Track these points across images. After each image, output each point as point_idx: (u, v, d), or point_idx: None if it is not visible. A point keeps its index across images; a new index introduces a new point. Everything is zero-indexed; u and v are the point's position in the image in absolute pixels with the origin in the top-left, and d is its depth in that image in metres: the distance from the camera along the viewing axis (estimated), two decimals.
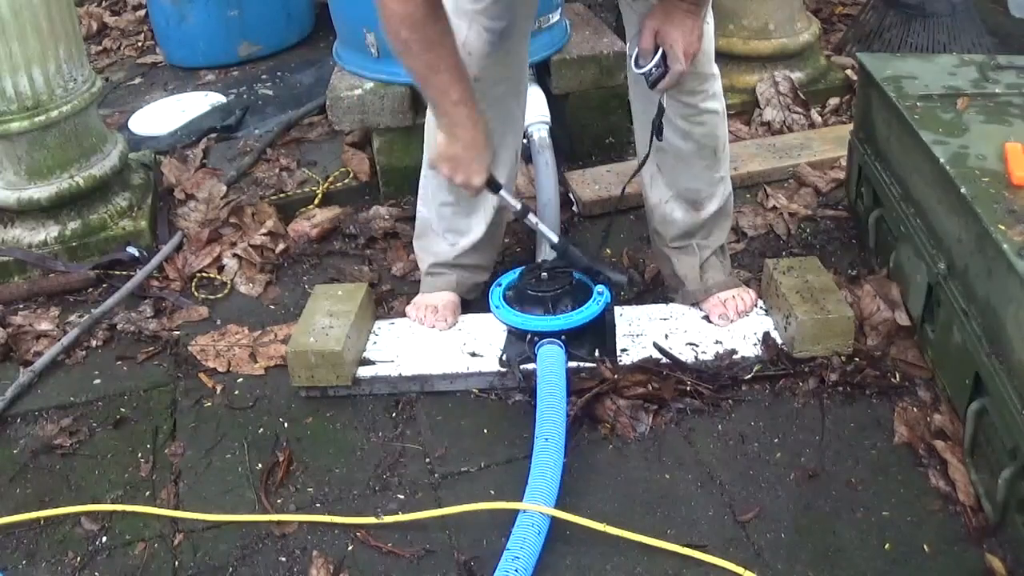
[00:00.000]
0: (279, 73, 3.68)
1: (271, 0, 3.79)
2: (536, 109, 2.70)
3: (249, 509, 1.82)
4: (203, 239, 2.62)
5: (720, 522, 1.72)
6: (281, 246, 2.60)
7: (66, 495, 1.89)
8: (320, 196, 2.80)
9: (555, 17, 2.77)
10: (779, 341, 2.07)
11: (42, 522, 1.82)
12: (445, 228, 2.17)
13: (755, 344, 2.07)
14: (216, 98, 3.48)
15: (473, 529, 1.72)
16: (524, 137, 2.62)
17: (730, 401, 1.97)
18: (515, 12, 1.92)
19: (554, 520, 1.67)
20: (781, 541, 1.67)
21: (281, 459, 1.92)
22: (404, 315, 2.28)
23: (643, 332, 2.12)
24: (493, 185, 1.93)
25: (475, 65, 1.90)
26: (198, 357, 2.22)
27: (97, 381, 2.20)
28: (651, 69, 1.83)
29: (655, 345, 2.07)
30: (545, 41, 2.75)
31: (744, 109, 3.13)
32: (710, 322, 2.14)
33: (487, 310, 2.11)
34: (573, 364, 2.00)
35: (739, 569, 1.60)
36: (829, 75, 3.27)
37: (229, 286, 2.49)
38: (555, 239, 2.06)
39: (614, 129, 2.93)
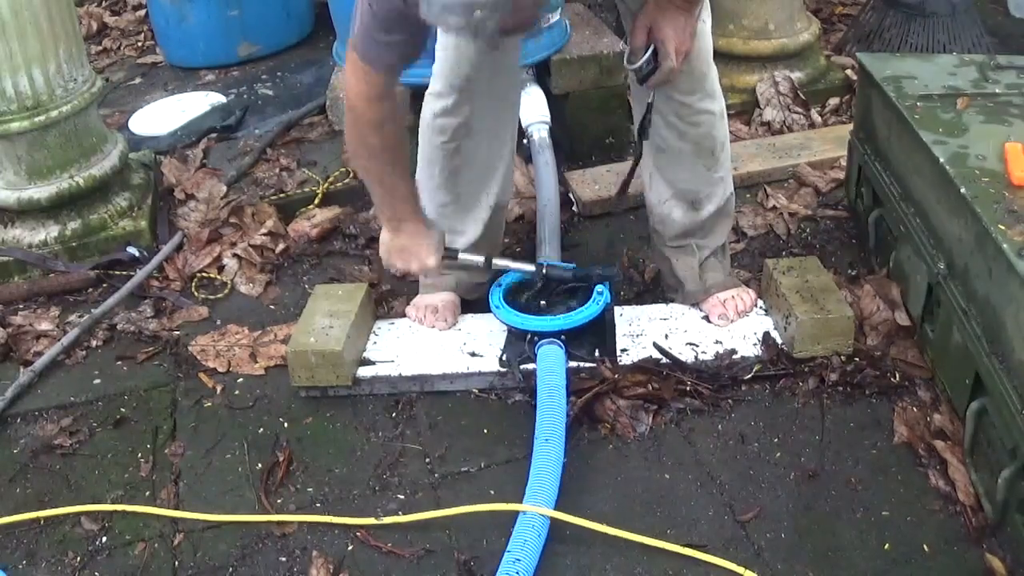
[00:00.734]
0: (279, 73, 3.68)
1: (271, 0, 3.79)
2: (536, 109, 2.70)
3: (249, 509, 1.82)
4: (203, 239, 2.62)
5: (720, 522, 1.72)
6: (281, 246, 2.60)
7: (66, 495, 1.89)
8: (320, 196, 2.80)
9: (555, 17, 2.77)
10: (779, 341, 2.07)
11: (42, 522, 1.82)
12: (444, 229, 2.16)
13: (755, 344, 2.07)
14: (216, 98, 3.48)
15: (473, 529, 1.72)
16: (524, 137, 2.62)
17: (730, 401, 1.97)
18: None
19: (554, 520, 1.67)
20: (781, 541, 1.67)
21: (281, 459, 1.92)
22: (404, 315, 2.28)
23: (643, 332, 2.12)
24: (450, 255, 2.01)
25: (466, 64, 1.90)
26: (198, 357, 2.22)
27: (97, 381, 2.20)
28: (641, 65, 1.83)
29: (655, 345, 2.07)
30: (545, 41, 2.75)
31: (744, 109, 3.13)
32: (710, 322, 2.14)
33: (487, 310, 2.11)
34: (573, 364, 2.00)
35: (739, 569, 1.60)
36: (829, 75, 3.27)
37: (229, 286, 2.49)
38: (531, 268, 2.07)
39: (614, 129, 2.93)
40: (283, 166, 2.96)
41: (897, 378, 1.97)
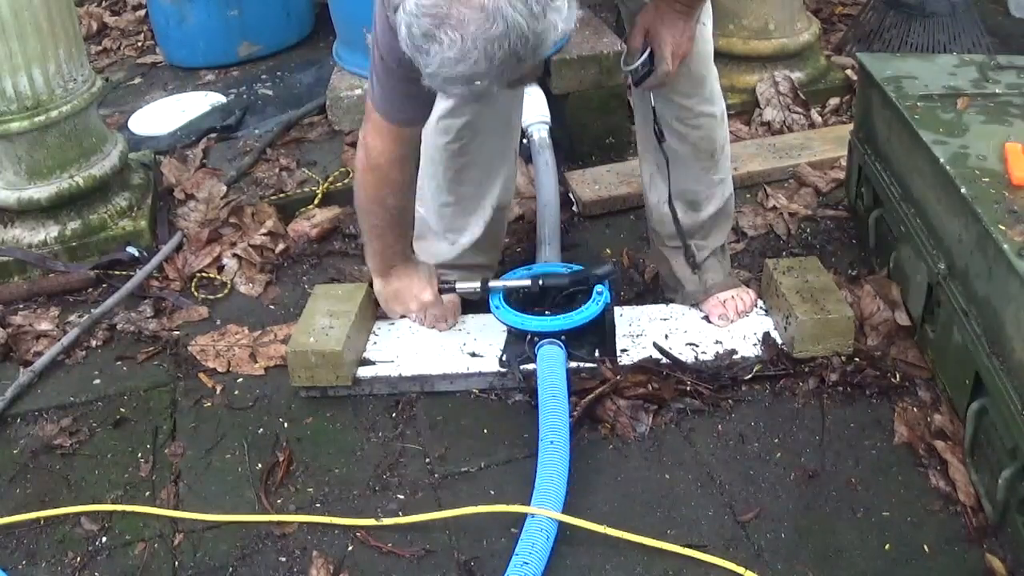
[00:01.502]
0: (279, 73, 3.68)
1: (271, 0, 3.79)
2: (536, 109, 2.70)
3: (249, 509, 1.82)
4: (203, 239, 2.62)
5: (720, 522, 1.72)
6: (281, 246, 2.60)
7: (66, 495, 1.89)
8: (320, 196, 2.80)
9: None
10: (779, 341, 2.07)
11: (42, 522, 1.82)
12: (445, 228, 2.16)
13: (755, 344, 2.07)
14: (216, 98, 3.48)
15: (473, 529, 1.72)
16: (524, 137, 2.62)
17: (730, 401, 1.97)
18: None
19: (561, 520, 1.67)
20: (781, 541, 1.67)
21: (281, 459, 1.92)
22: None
23: (643, 332, 2.12)
24: (446, 285, 2.05)
25: None
26: (198, 357, 2.22)
27: (97, 381, 2.20)
28: (637, 67, 1.82)
29: (655, 345, 2.07)
30: None
31: (744, 109, 3.13)
32: (710, 323, 2.14)
33: (487, 310, 2.11)
34: (573, 364, 2.00)
35: (739, 569, 1.60)
36: (829, 75, 3.27)
37: (229, 286, 2.49)
38: (527, 283, 2.07)
39: (614, 129, 2.93)
40: (283, 166, 2.96)
41: (897, 378, 1.97)
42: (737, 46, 3.14)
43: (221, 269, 2.54)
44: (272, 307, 2.42)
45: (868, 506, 1.72)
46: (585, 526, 1.66)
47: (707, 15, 1.92)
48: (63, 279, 2.50)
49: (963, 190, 1.75)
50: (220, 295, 2.46)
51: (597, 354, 2.03)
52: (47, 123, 2.43)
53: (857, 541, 1.66)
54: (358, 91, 2.71)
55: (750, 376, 2.01)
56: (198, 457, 1.96)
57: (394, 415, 2.02)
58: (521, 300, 2.09)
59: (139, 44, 4.15)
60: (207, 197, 2.79)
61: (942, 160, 1.85)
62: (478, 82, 1.35)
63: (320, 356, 2.00)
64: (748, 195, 2.69)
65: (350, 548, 1.72)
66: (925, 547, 1.64)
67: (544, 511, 1.65)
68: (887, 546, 1.65)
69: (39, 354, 2.26)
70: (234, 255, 2.56)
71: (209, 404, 2.10)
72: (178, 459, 1.96)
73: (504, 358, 2.05)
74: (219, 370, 2.18)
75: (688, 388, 1.98)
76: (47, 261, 2.53)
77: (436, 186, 2.11)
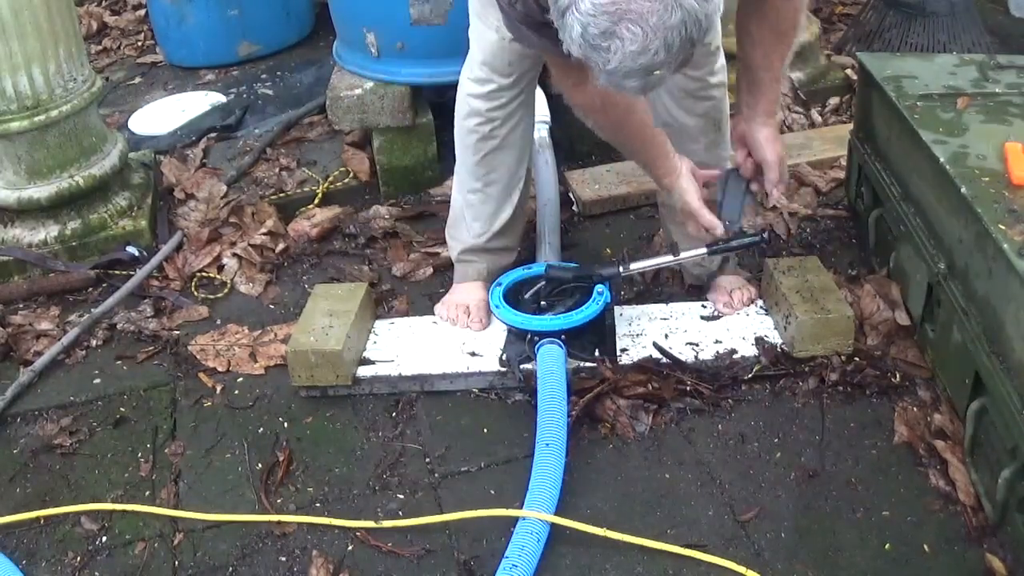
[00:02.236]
0: (279, 73, 3.67)
1: (271, 0, 3.78)
2: (536, 109, 2.70)
3: (249, 509, 1.82)
4: (203, 239, 2.62)
5: (720, 522, 1.72)
6: (281, 246, 2.60)
7: (66, 495, 1.89)
8: (320, 196, 2.80)
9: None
10: (779, 341, 2.07)
11: (42, 521, 1.82)
12: (473, 215, 2.18)
13: (755, 344, 2.07)
14: (216, 98, 3.48)
15: (473, 529, 1.72)
16: None
17: (730, 401, 1.97)
18: None
19: (554, 522, 1.67)
20: (781, 541, 1.67)
21: (281, 459, 1.92)
22: (405, 315, 2.29)
23: (643, 332, 2.12)
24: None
25: (511, 53, 1.94)
26: (198, 357, 2.22)
27: (97, 381, 2.20)
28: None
29: (655, 345, 2.07)
30: None
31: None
32: (711, 318, 2.14)
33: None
34: (573, 364, 2.00)
35: (739, 569, 1.60)
36: (829, 75, 3.27)
37: (229, 286, 2.49)
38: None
39: None
40: (283, 166, 2.96)
41: (897, 378, 1.97)
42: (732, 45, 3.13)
43: (221, 269, 2.54)
44: (272, 307, 2.42)
45: (868, 506, 1.72)
46: (585, 530, 1.66)
47: None
48: (63, 279, 2.50)
49: (963, 190, 1.75)
50: (220, 295, 2.46)
51: (597, 354, 2.03)
52: (47, 123, 2.43)
53: (857, 541, 1.66)
54: (358, 91, 2.72)
55: (750, 376, 2.01)
56: (198, 457, 1.96)
57: (394, 415, 2.02)
58: (522, 298, 2.09)
59: (139, 44, 4.15)
60: (207, 197, 2.79)
61: (942, 160, 1.85)
62: (656, 72, 1.38)
63: (320, 356, 2.00)
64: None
65: (350, 548, 1.72)
66: (925, 547, 1.64)
67: (537, 514, 1.65)
68: (887, 546, 1.65)
69: (39, 354, 2.26)
70: (234, 255, 2.56)
71: (209, 404, 2.10)
72: (178, 459, 1.96)
73: (504, 357, 2.05)
74: (219, 370, 2.18)
75: (688, 388, 1.98)
76: (47, 261, 2.53)
77: (466, 171, 2.15)
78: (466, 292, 2.22)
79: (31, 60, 2.35)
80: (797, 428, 1.91)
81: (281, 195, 2.82)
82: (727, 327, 2.13)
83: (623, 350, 2.07)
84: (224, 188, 2.82)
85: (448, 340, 2.14)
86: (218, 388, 2.14)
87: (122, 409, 2.11)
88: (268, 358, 2.20)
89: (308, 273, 2.53)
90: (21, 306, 2.47)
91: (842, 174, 2.66)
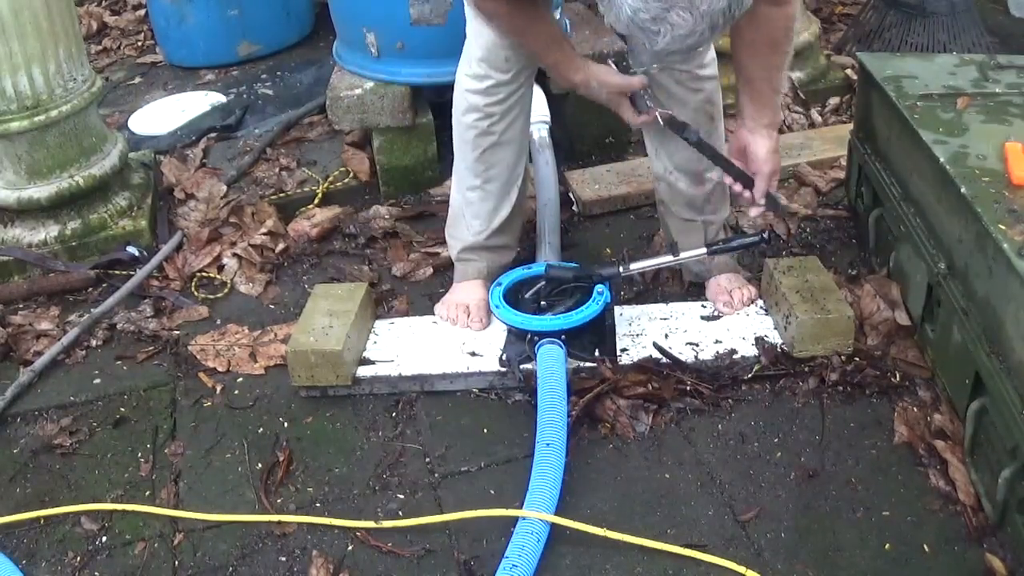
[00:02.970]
0: (279, 73, 3.68)
1: (271, 0, 3.78)
2: (536, 109, 2.70)
3: (249, 509, 1.82)
4: (203, 239, 2.62)
5: (720, 522, 1.72)
6: (281, 246, 2.60)
7: (66, 495, 1.89)
8: (320, 196, 2.80)
9: (555, 16, 2.76)
10: (779, 341, 2.07)
11: (42, 522, 1.82)
12: (473, 213, 2.19)
13: (755, 344, 2.07)
14: (216, 98, 3.48)
15: (473, 529, 1.72)
16: None
17: (730, 401, 1.97)
18: None
19: (554, 522, 1.67)
20: (781, 541, 1.67)
21: (281, 459, 1.92)
22: (405, 315, 2.29)
23: (643, 332, 2.12)
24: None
25: (506, 47, 1.95)
26: (198, 357, 2.22)
27: (97, 381, 2.20)
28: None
29: (655, 345, 2.07)
30: None
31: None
32: (711, 318, 2.14)
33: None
34: (573, 364, 2.00)
35: (739, 569, 1.60)
36: (829, 75, 3.27)
37: (229, 286, 2.49)
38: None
39: (614, 129, 2.93)
40: (283, 166, 2.96)
41: (897, 378, 1.97)
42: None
43: (221, 269, 2.54)
44: (272, 307, 2.42)
45: (868, 506, 1.72)
46: (581, 528, 1.66)
47: None
48: (63, 279, 2.50)
49: (963, 190, 1.75)
50: (220, 295, 2.46)
51: (597, 354, 2.03)
52: (47, 123, 2.43)
53: (857, 541, 1.66)
54: (358, 91, 2.71)
55: (750, 376, 2.01)
56: (198, 457, 1.96)
57: (394, 415, 2.02)
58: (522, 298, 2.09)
59: (139, 44, 4.15)
60: (207, 197, 2.79)
61: (942, 160, 1.85)
62: (700, 48, 1.45)
63: (320, 356, 2.00)
64: None
65: (350, 548, 1.72)
66: (925, 547, 1.64)
67: (537, 514, 1.65)
68: (887, 546, 1.65)
69: (39, 354, 2.26)
70: (234, 255, 2.56)
71: (209, 404, 2.10)
72: (178, 459, 1.96)
73: (504, 357, 2.05)
74: (219, 370, 2.18)
75: (688, 388, 1.98)
76: (47, 260, 2.53)
77: (465, 168, 2.15)
78: (466, 292, 2.22)
79: (31, 60, 2.35)
80: (797, 428, 1.91)
81: (281, 195, 2.82)
82: (727, 327, 2.13)
83: (623, 350, 2.07)
84: (224, 188, 2.82)
85: (448, 340, 2.14)
86: (218, 388, 2.14)
87: (122, 409, 2.11)
88: (268, 358, 2.20)
89: (308, 273, 2.53)
90: (21, 306, 2.47)
91: (842, 174, 2.66)
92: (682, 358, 2.04)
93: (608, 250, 2.50)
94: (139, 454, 1.98)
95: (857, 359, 2.00)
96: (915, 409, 1.90)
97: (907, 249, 2.05)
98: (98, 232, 2.59)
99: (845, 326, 1.99)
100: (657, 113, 1.92)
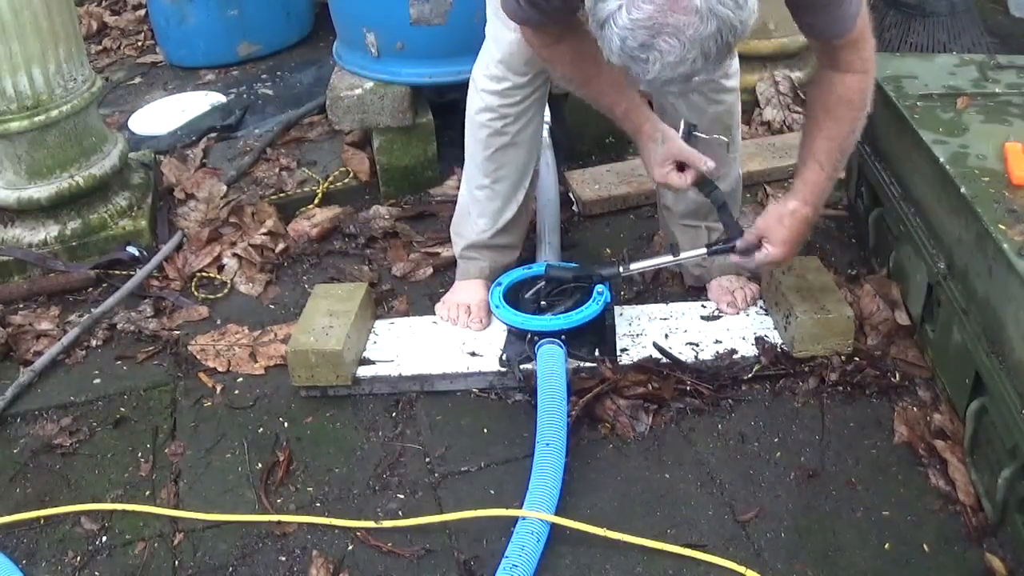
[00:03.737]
0: (279, 73, 3.68)
1: (271, 0, 3.78)
2: None
3: (249, 509, 1.82)
4: (203, 239, 2.62)
5: (720, 522, 1.72)
6: (281, 246, 2.60)
7: (66, 495, 1.89)
8: (320, 196, 2.80)
9: None
10: (779, 341, 2.07)
11: (42, 521, 1.82)
12: (479, 211, 2.19)
13: (755, 344, 2.07)
14: (216, 98, 3.48)
15: (473, 529, 1.72)
16: None
17: (730, 401, 1.97)
18: None
19: (554, 522, 1.67)
20: (781, 541, 1.67)
21: (281, 459, 1.92)
22: (405, 315, 2.29)
23: (643, 332, 2.12)
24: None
25: (527, 50, 1.93)
26: (198, 357, 2.22)
27: (97, 381, 2.20)
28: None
29: (655, 345, 2.07)
30: None
31: (744, 108, 3.11)
32: (711, 318, 2.14)
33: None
34: (573, 364, 2.00)
35: (739, 569, 1.60)
36: None
37: (229, 286, 2.49)
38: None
39: (614, 129, 2.89)
40: (283, 166, 2.96)
41: (897, 378, 1.97)
42: (737, 45, 3.13)
43: (221, 269, 2.54)
44: (272, 307, 2.42)
45: (868, 506, 1.72)
46: (581, 528, 1.66)
47: None
48: (63, 279, 2.50)
49: (963, 190, 1.75)
50: (220, 295, 2.46)
51: (597, 354, 2.03)
52: (47, 123, 2.43)
53: (857, 541, 1.66)
54: (358, 91, 2.72)
55: (750, 376, 2.01)
56: (198, 457, 1.96)
57: (394, 415, 2.02)
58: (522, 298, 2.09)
59: (139, 44, 4.15)
60: (207, 197, 2.79)
61: (942, 160, 1.85)
62: (695, 78, 1.41)
63: (320, 356, 2.00)
64: (748, 195, 2.68)
65: (350, 547, 1.72)
66: (925, 547, 1.64)
67: (537, 514, 1.65)
68: (887, 546, 1.65)
69: (39, 353, 2.26)
70: (234, 255, 2.56)
71: (209, 404, 2.10)
72: (178, 459, 1.96)
73: (504, 357, 2.05)
74: (219, 370, 2.18)
75: (688, 388, 1.98)
76: (47, 260, 2.53)
77: (475, 167, 2.15)
78: (467, 291, 2.22)
79: (31, 60, 2.35)
80: (797, 428, 1.91)
81: (281, 195, 2.82)
82: (727, 327, 2.13)
83: (623, 350, 2.07)
84: (224, 188, 2.82)
85: (448, 340, 2.14)
86: (218, 388, 2.14)
87: (122, 409, 2.11)
88: (268, 358, 2.20)
89: (308, 273, 2.53)
90: (21, 306, 2.47)
91: (842, 174, 2.66)
92: (682, 358, 2.04)
93: (608, 250, 2.50)
94: (139, 454, 1.98)
95: (857, 359, 2.00)
96: (915, 409, 1.90)
97: (907, 249, 2.06)
98: (98, 232, 2.59)
99: (845, 326, 1.99)
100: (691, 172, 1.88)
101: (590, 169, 2.82)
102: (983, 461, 1.69)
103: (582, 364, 2.02)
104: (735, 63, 2.05)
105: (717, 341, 2.08)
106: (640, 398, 1.95)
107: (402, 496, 1.83)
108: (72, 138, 2.51)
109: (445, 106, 2.81)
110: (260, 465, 1.92)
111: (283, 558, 1.71)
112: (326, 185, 2.83)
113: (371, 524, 1.74)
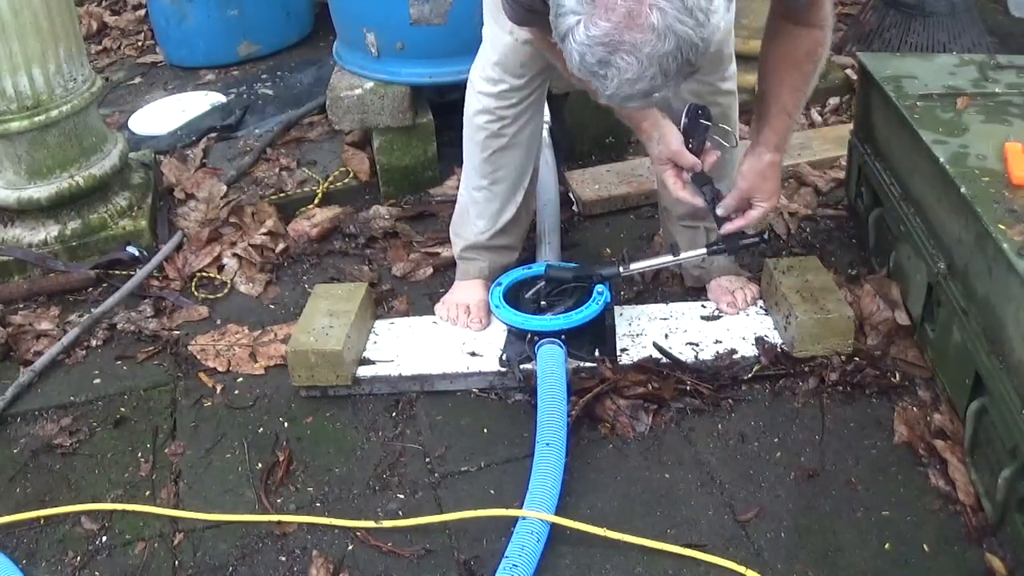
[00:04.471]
0: (279, 73, 3.68)
1: (271, 0, 3.79)
2: None
3: (249, 509, 1.82)
4: (203, 239, 2.62)
5: (720, 522, 1.72)
6: (281, 246, 2.60)
7: (66, 494, 1.89)
8: (320, 196, 2.80)
9: None
10: (779, 341, 2.07)
11: (42, 521, 1.82)
12: (478, 212, 2.19)
13: (755, 344, 2.07)
14: (216, 98, 3.48)
15: (473, 529, 1.72)
16: None
17: (730, 401, 1.97)
18: None
19: (554, 522, 1.67)
20: (781, 541, 1.67)
21: (281, 459, 1.92)
22: (405, 315, 2.29)
23: (643, 332, 2.12)
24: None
25: (522, 54, 1.94)
26: (198, 357, 2.22)
27: (97, 381, 2.20)
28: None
29: (655, 345, 2.07)
30: None
31: (745, 109, 3.11)
32: (711, 318, 2.14)
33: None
34: (573, 364, 2.00)
35: (739, 569, 1.60)
36: (829, 75, 3.27)
37: (229, 286, 2.49)
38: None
39: (614, 129, 2.93)
40: (283, 166, 2.96)
41: (897, 378, 1.97)
42: (737, 46, 3.10)
43: (221, 269, 2.54)
44: (272, 307, 2.42)
45: (868, 506, 1.72)
46: (581, 528, 1.66)
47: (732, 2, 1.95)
48: (63, 279, 2.50)
49: (963, 189, 1.75)
50: (220, 295, 2.46)
51: (597, 354, 2.03)
52: (47, 123, 2.43)
53: (857, 541, 1.66)
54: (358, 91, 2.72)
55: (750, 376, 2.01)
56: (198, 457, 1.96)
57: (394, 415, 2.02)
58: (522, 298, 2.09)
59: (139, 44, 4.15)
60: (207, 197, 2.79)
61: (942, 160, 1.85)
62: (656, 94, 1.40)
63: (320, 356, 2.00)
64: None
65: (350, 547, 1.72)
66: (925, 547, 1.64)
67: (537, 514, 1.65)
68: (887, 546, 1.65)
69: (39, 353, 2.26)
70: (234, 255, 2.56)
71: (209, 404, 2.10)
72: (178, 459, 1.96)
73: (504, 357, 2.05)
74: (219, 370, 2.18)
75: (688, 388, 1.98)
76: (47, 260, 2.53)
77: (472, 168, 2.15)
78: (466, 291, 2.22)
79: (31, 60, 2.35)
80: (797, 428, 1.91)
81: (281, 195, 2.82)
82: (727, 327, 2.13)
83: (623, 350, 2.07)
84: (224, 188, 2.82)
85: (448, 340, 2.14)
86: (218, 388, 2.14)
87: (122, 409, 2.11)
88: (268, 358, 2.20)
89: (308, 273, 2.53)
90: (21, 306, 2.47)
91: (842, 174, 2.67)
92: (682, 358, 2.04)
93: (608, 250, 2.50)
94: (139, 454, 1.98)
95: (857, 359, 2.00)
96: (915, 409, 1.90)
97: (907, 249, 2.05)
98: (98, 232, 2.59)
99: (845, 326, 1.99)
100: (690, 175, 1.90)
101: (590, 169, 2.82)
102: (983, 461, 1.69)
103: (582, 364, 2.02)
104: (732, 66, 2.05)
105: (717, 341, 2.08)
106: (640, 398, 1.95)
107: (402, 496, 1.83)
108: (72, 138, 2.51)
109: (445, 106, 2.81)
110: (260, 465, 1.92)
111: (283, 558, 1.71)
112: (326, 185, 2.83)
113: (371, 524, 1.74)
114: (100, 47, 4.16)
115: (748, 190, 1.88)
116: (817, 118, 3.08)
